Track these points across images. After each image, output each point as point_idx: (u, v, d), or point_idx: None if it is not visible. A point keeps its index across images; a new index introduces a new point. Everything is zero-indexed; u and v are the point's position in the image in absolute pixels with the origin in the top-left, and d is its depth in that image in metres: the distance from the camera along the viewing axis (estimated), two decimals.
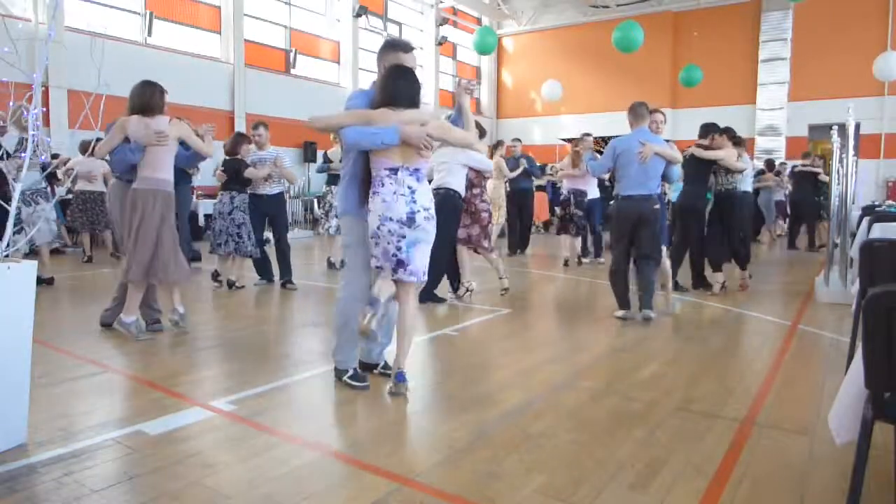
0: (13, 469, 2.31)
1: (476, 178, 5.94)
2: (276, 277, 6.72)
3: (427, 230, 3.19)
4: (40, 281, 5.78)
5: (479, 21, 23.27)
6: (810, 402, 3.20)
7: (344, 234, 3.45)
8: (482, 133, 6.04)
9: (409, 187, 3.12)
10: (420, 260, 3.21)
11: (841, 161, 6.43)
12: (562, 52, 22.39)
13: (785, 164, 14.39)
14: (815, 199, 10.77)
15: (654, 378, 3.56)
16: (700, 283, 6.55)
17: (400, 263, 3.16)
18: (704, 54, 18.94)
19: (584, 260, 8.89)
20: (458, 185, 5.65)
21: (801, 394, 3.34)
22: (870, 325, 1.64)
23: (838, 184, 6.42)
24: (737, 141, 6.67)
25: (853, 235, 6.34)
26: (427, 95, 21.87)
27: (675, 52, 20.46)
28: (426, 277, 3.29)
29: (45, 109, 10.10)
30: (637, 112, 5.11)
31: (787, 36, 19.03)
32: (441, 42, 21.58)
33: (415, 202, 3.12)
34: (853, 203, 8.02)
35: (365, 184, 3.25)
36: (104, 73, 2.86)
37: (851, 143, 6.55)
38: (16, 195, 2.63)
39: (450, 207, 5.57)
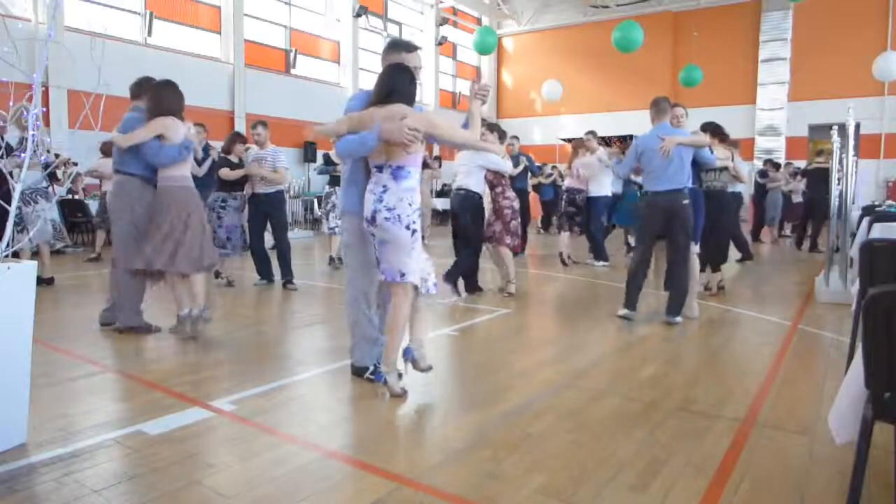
0: (13, 469, 2.31)
1: (496, 179, 6.23)
2: (277, 278, 6.72)
3: (388, 230, 3.08)
4: (40, 281, 5.78)
5: (479, 21, 23.28)
6: (810, 402, 3.20)
7: (344, 233, 3.46)
8: (502, 135, 6.44)
9: (384, 186, 3.11)
10: (391, 260, 3.15)
11: (841, 161, 6.43)
12: (562, 52, 22.39)
13: (791, 163, 14.34)
14: (828, 197, 10.60)
15: (654, 378, 3.56)
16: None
17: (378, 261, 3.23)
18: (704, 54, 18.94)
19: (587, 262, 8.88)
20: (477, 185, 6.01)
21: (801, 394, 3.34)
22: (870, 325, 1.64)
23: (838, 184, 6.42)
24: (722, 139, 6.64)
25: (853, 235, 6.35)
26: (427, 95, 21.86)
27: (675, 52, 20.47)
28: (404, 280, 3.16)
29: (45, 109, 10.11)
30: (659, 107, 5.11)
31: (787, 36, 19.04)
32: (441, 42, 21.58)
33: (380, 201, 3.09)
34: (853, 203, 8.03)
35: (364, 183, 3.26)
36: (104, 73, 2.86)
37: (851, 143, 6.55)
38: (16, 195, 2.63)
39: (470, 207, 5.98)
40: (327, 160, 8.19)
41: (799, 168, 13.62)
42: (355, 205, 3.29)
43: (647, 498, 2.16)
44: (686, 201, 4.97)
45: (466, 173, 5.97)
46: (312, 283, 6.82)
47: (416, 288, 3.23)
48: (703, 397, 3.22)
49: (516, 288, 6.34)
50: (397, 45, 3.44)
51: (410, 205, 3.11)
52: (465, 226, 6.02)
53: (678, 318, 4.95)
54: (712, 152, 5.55)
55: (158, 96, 4.33)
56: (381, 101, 3.16)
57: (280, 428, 2.77)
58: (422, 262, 3.24)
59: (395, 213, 3.07)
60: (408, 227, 3.10)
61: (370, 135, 3.03)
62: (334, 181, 8.15)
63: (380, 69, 3.35)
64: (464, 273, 6.19)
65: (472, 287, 6.33)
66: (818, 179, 10.75)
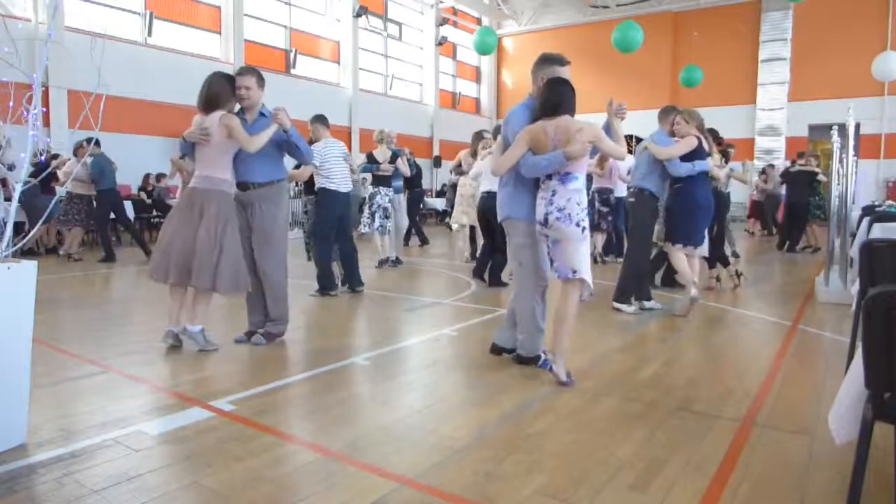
0: (13, 469, 2.31)
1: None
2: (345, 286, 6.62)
3: (560, 230, 3.34)
4: None
5: (479, 21, 23.29)
6: (810, 402, 3.20)
7: (519, 237, 3.64)
8: None
9: (553, 190, 3.37)
10: (564, 258, 3.38)
11: (841, 161, 6.43)
12: (562, 52, 22.20)
13: (773, 165, 14.43)
14: (810, 200, 10.62)
15: (654, 378, 3.56)
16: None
17: (551, 262, 3.48)
18: (704, 54, 18.95)
19: (606, 259, 8.86)
20: None
21: (801, 394, 3.34)
22: (870, 325, 1.64)
23: (838, 184, 6.42)
24: (718, 142, 6.69)
25: (853, 235, 6.35)
26: (427, 96, 21.84)
27: (675, 52, 20.47)
28: (576, 276, 3.37)
29: (45, 109, 10.11)
30: (659, 116, 5.54)
31: (787, 36, 19.05)
32: (441, 42, 21.58)
33: (551, 204, 3.36)
34: (853, 203, 8.02)
35: (533, 190, 3.52)
36: (104, 73, 2.86)
37: (851, 143, 6.55)
38: (15, 196, 2.63)
39: None
40: (371, 159, 8.03)
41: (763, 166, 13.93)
42: (525, 212, 3.56)
43: (647, 498, 2.16)
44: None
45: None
46: (313, 284, 6.80)
47: (582, 283, 3.40)
48: (703, 397, 3.22)
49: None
50: (551, 59, 3.68)
51: (578, 204, 3.36)
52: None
53: (617, 305, 5.40)
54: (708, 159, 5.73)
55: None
56: (550, 114, 3.39)
57: (280, 428, 2.77)
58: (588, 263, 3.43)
59: (566, 212, 3.33)
60: (577, 224, 3.33)
61: (558, 160, 3.29)
62: (377, 181, 8.06)
63: (533, 82, 3.67)
64: (494, 269, 6.77)
65: (497, 281, 6.75)
66: (799, 182, 10.68)
